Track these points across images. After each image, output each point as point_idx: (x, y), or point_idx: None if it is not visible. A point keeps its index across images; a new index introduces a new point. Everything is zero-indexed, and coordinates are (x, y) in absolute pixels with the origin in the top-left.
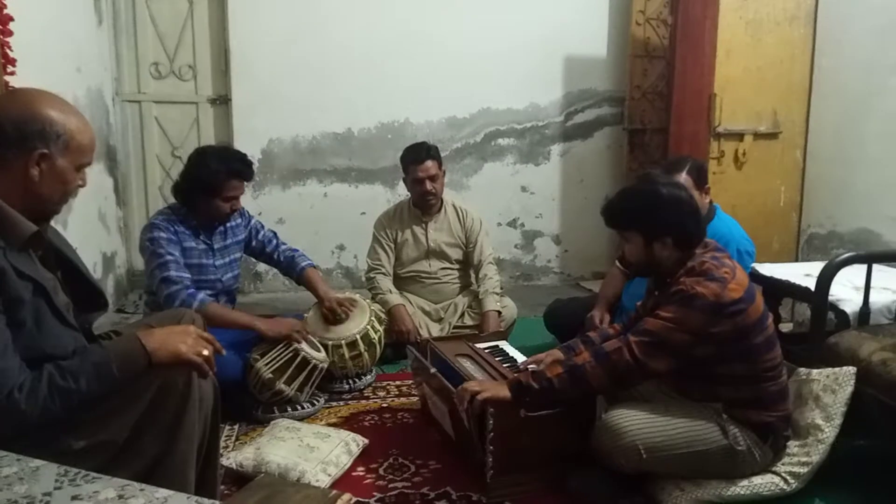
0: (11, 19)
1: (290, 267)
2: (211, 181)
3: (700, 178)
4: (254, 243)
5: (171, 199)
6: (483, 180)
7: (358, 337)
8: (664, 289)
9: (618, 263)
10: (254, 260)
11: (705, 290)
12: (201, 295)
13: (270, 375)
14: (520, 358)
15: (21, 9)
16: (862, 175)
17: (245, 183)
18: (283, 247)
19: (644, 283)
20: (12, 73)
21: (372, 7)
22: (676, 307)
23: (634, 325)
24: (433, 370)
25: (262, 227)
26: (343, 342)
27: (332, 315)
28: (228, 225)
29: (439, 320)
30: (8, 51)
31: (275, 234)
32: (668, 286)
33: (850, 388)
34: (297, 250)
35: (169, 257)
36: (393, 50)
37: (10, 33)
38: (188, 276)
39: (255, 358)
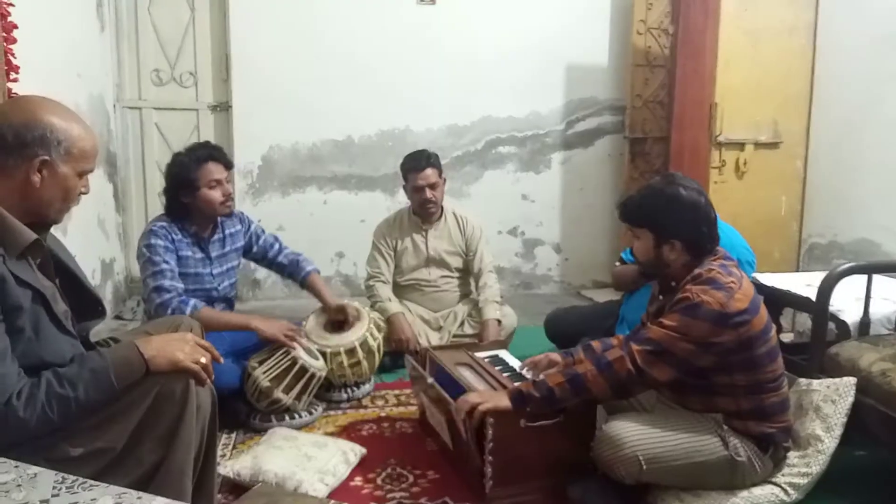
0: (15, 27)
1: (294, 272)
2: (185, 173)
3: None
4: (255, 249)
5: None
6: (483, 188)
7: (357, 344)
8: (669, 294)
9: (617, 264)
10: (252, 267)
11: (711, 298)
12: (192, 301)
13: (268, 384)
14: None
15: (24, 16)
16: (862, 185)
17: (224, 168)
18: (286, 251)
19: (647, 296)
20: (15, 80)
21: (373, 15)
22: (681, 315)
23: (638, 333)
24: (430, 380)
25: (263, 231)
26: (342, 349)
27: (341, 316)
28: (227, 232)
29: (439, 329)
30: (11, 57)
31: (276, 238)
32: (673, 291)
33: (850, 399)
34: (300, 254)
35: (164, 266)
36: (394, 57)
37: (14, 40)
38: (181, 285)
39: (252, 366)
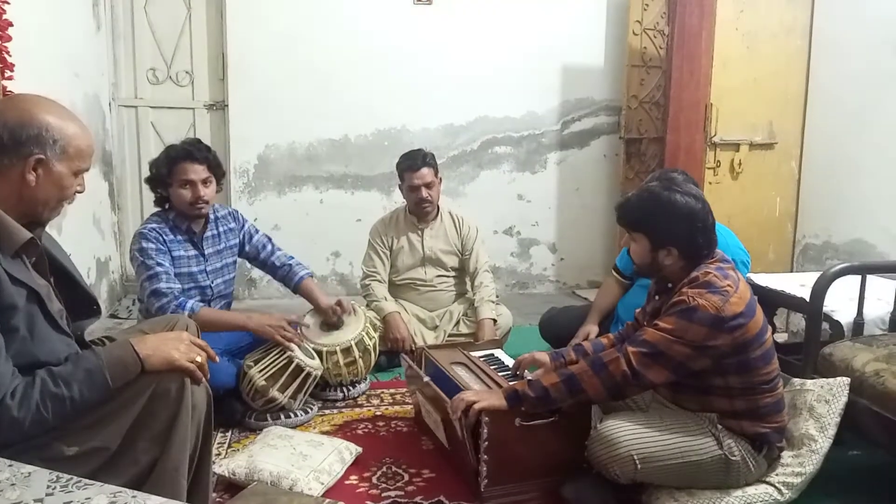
0: (10, 24)
1: (287, 277)
2: (159, 170)
3: None
4: (247, 248)
5: None
6: (479, 188)
7: (353, 343)
8: (665, 294)
9: (613, 273)
10: (248, 266)
11: (706, 302)
12: (190, 303)
13: (264, 382)
14: None
15: (19, 14)
16: (857, 186)
17: (206, 169)
18: (279, 253)
19: (642, 295)
20: (10, 78)
21: (370, 14)
22: (677, 318)
23: (632, 332)
24: (426, 378)
25: (256, 231)
26: (338, 348)
27: (334, 316)
28: (221, 229)
29: (434, 328)
30: (6, 56)
31: (269, 239)
32: (670, 293)
33: (843, 399)
34: (293, 258)
35: (158, 268)
36: (391, 57)
37: (9, 38)
38: (178, 286)
39: (248, 364)
